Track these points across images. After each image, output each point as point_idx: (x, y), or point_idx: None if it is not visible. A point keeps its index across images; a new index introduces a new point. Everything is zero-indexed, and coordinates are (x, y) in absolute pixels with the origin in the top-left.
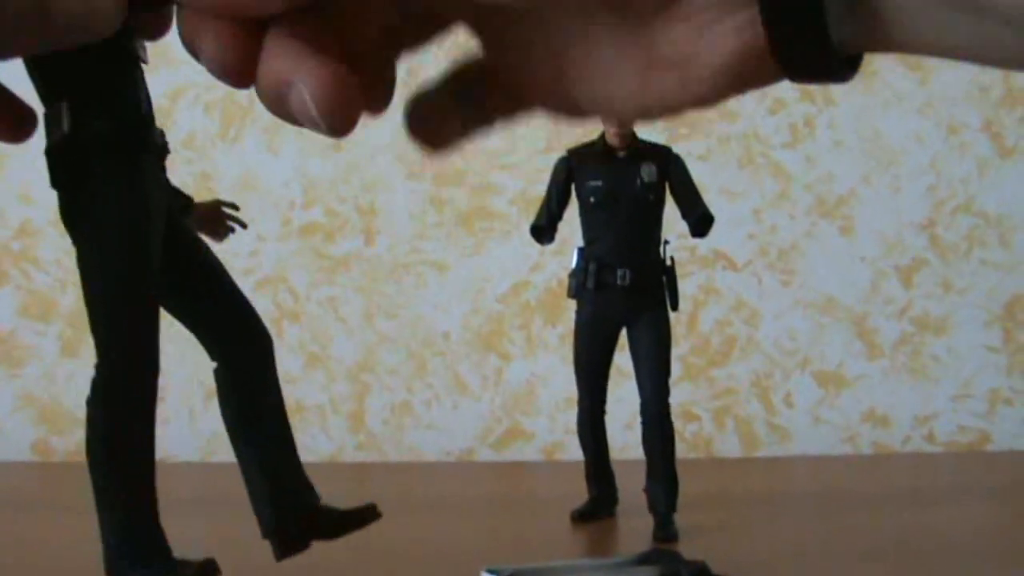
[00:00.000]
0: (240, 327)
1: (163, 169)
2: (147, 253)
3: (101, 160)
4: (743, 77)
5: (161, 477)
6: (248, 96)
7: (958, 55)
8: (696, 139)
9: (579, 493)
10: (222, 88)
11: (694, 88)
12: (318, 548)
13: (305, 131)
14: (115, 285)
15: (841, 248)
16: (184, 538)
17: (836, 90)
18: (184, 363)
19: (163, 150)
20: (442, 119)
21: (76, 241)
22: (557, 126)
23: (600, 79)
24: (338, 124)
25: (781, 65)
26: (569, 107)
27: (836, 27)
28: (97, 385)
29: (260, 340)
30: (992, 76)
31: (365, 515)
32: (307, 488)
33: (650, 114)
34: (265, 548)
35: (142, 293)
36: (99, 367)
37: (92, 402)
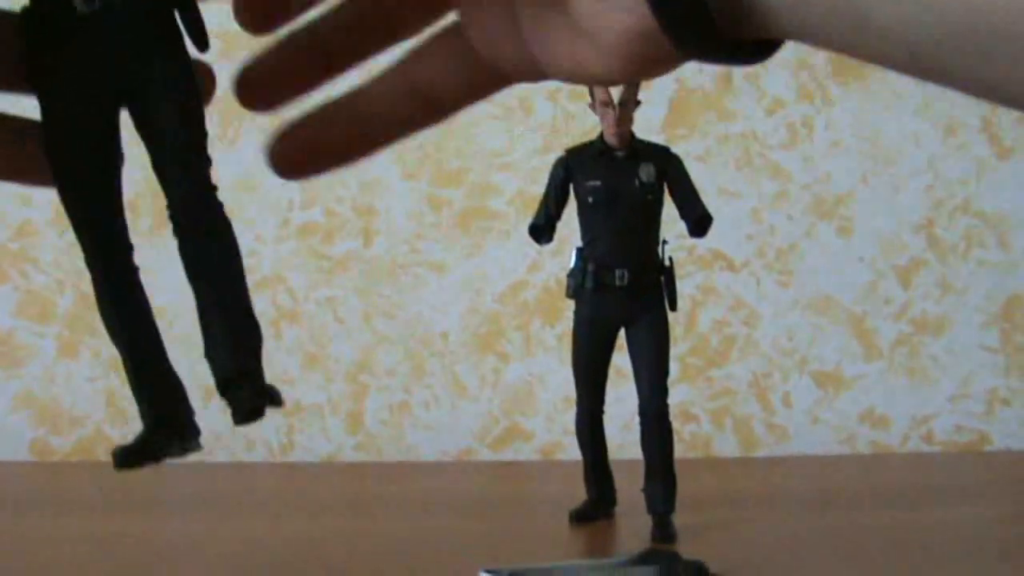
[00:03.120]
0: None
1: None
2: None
3: None
4: (645, 55)
5: (159, 477)
6: None
7: (850, 53)
8: (694, 139)
9: (577, 493)
10: (220, 88)
11: (605, 60)
12: (313, 547)
13: None
14: None
15: (839, 248)
16: (183, 538)
17: (834, 91)
18: (181, 363)
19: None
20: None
21: None
22: (555, 125)
23: (546, 42)
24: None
25: (675, 45)
26: (527, 66)
27: (719, 10)
28: None
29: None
30: None
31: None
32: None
33: (579, 79)
34: (266, 548)
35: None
36: None
37: None
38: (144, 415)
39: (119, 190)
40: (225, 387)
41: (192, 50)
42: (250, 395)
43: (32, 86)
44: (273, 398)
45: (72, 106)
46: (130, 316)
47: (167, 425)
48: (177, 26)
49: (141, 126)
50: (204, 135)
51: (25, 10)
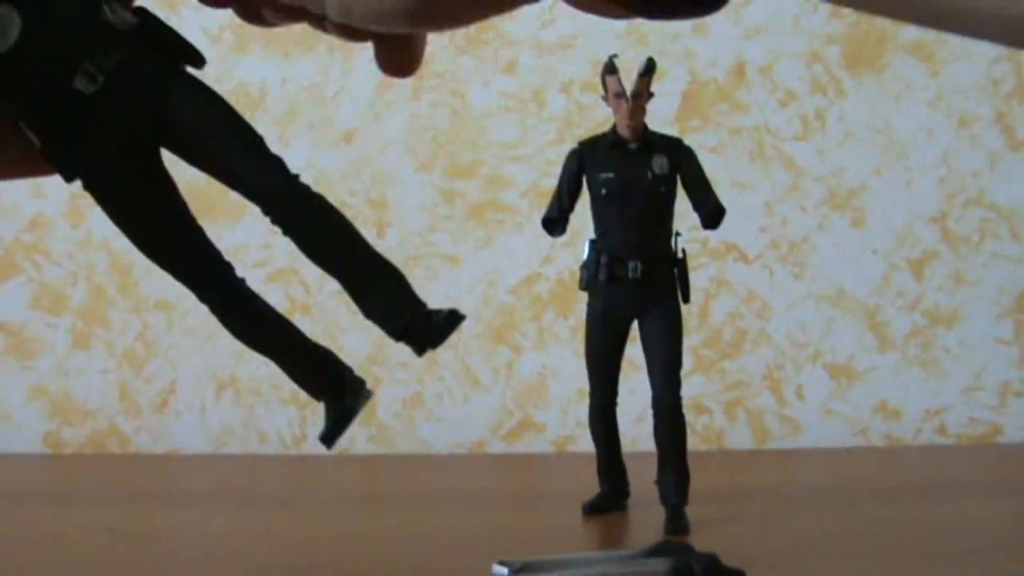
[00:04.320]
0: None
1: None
2: None
3: None
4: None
5: (171, 469)
6: (259, 89)
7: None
8: (707, 131)
9: (590, 486)
10: (233, 81)
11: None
12: (324, 542)
13: (316, 124)
14: None
15: (852, 241)
16: (195, 530)
17: (847, 83)
18: (195, 355)
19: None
20: None
21: None
22: (568, 118)
23: None
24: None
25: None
26: None
27: None
28: None
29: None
30: (1004, 68)
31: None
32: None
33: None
34: (279, 539)
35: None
36: None
37: None
38: (317, 394)
39: (191, 219)
40: (405, 330)
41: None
42: (438, 320)
43: (57, 169)
44: (451, 314)
45: (113, 175)
46: (257, 328)
47: (339, 390)
48: (176, 59)
49: (192, 157)
50: (251, 131)
51: (26, 104)
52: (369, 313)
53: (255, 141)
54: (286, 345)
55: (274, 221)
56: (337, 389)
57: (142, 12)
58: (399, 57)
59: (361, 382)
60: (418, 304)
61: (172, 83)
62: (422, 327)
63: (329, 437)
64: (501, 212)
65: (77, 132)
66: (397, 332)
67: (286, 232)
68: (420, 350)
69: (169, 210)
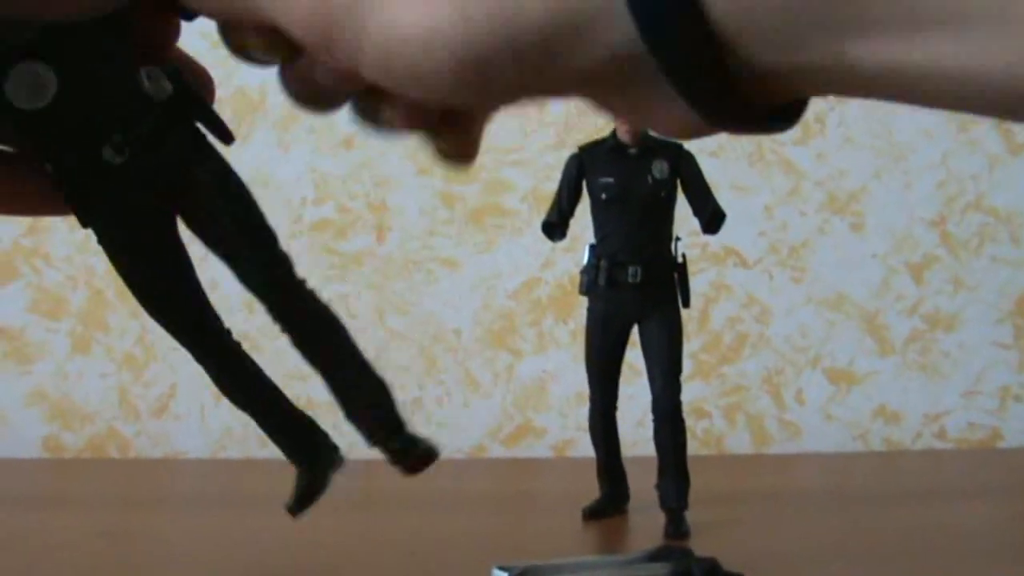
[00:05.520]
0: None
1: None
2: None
3: None
4: (700, 131)
5: (172, 474)
6: (259, 92)
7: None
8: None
9: (590, 490)
10: (233, 85)
11: (661, 131)
12: (324, 546)
13: (316, 128)
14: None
15: (852, 245)
16: (195, 534)
17: None
18: (195, 365)
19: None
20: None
21: None
22: (568, 122)
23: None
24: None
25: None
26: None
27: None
28: None
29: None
30: None
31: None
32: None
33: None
34: (279, 543)
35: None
36: None
37: None
38: (292, 459)
39: (197, 284)
40: (385, 440)
41: (194, 46)
42: (417, 444)
43: (75, 212)
44: (427, 452)
45: (128, 237)
46: (248, 391)
47: (314, 458)
48: (203, 133)
49: (202, 235)
50: (265, 227)
51: (53, 165)
52: (349, 416)
53: (266, 237)
54: (272, 409)
55: (275, 319)
56: (312, 457)
57: (180, 81)
58: (456, 141)
59: (335, 450)
60: (400, 427)
61: (197, 160)
62: (398, 451)
63: (297, 507)
64: (501, 216)
65: (99, 194)
66: (373, 443)
67: (282, 330)
68: (400, 467)
69: (176, 274)
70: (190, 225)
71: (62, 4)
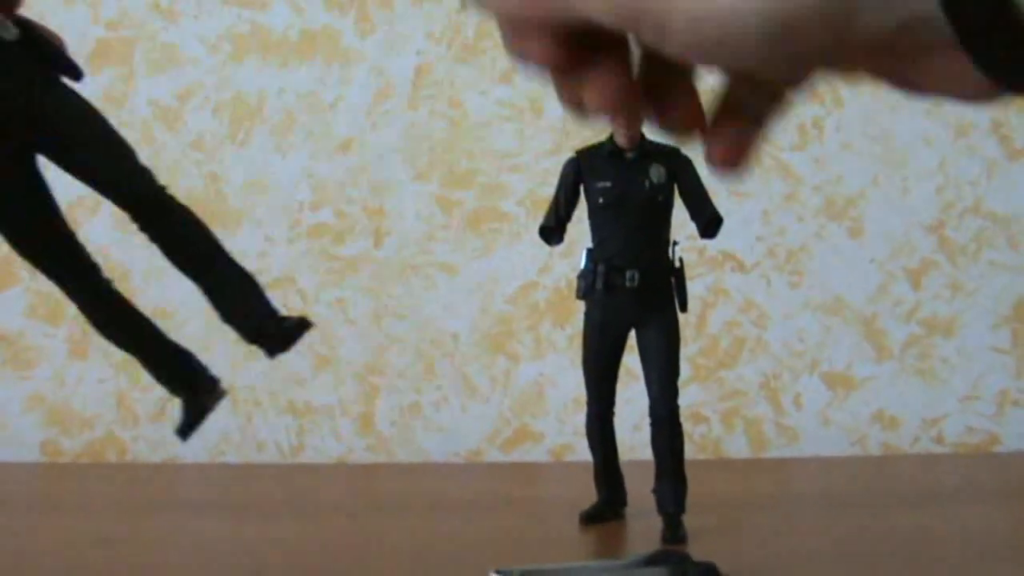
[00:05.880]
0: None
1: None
2: None
3: None
4: (988, 95)
5: (170, 478)
6: (257, 97)
7: None
8: None
9: (588, 494)
10: (231, 89)
11: (951, 97)
12: (323, 548)
13: (314, 133)
14: None
15: (850, 250)
16: (193, 538)
17: (844, 92)
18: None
19: None
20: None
21: None
22: (565, 127)
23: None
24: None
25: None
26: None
27: None
28: None
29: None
30: None
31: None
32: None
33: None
34: (276, 548)
35: None
36: None
37: None
38: (175, 390)
39: (63, 222)
40: (258, 335)
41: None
42: (287, 325)
43: None
44: (300, 324)
45: None
46: (122, 325)
47: (195, 387)
48: (54, 69)
49: (65, 162)
50: (123, 143)
51: None
52: (225, 317)
53: (126, 151)
54: (148, 343)
55: (141, 228)
56: (193, 387)
57: (25, 24)
58: (734, 145)
59: (215, 381)
60: (271, 311)
61: (46, 88)
62: (273, 333)
63: (184, 430)
64: (498, 221)
65: None
66: (251, 336)
67: (151, 239)
68: (270, 353)
69: (41, 212)
70: (50, 154)
71: None
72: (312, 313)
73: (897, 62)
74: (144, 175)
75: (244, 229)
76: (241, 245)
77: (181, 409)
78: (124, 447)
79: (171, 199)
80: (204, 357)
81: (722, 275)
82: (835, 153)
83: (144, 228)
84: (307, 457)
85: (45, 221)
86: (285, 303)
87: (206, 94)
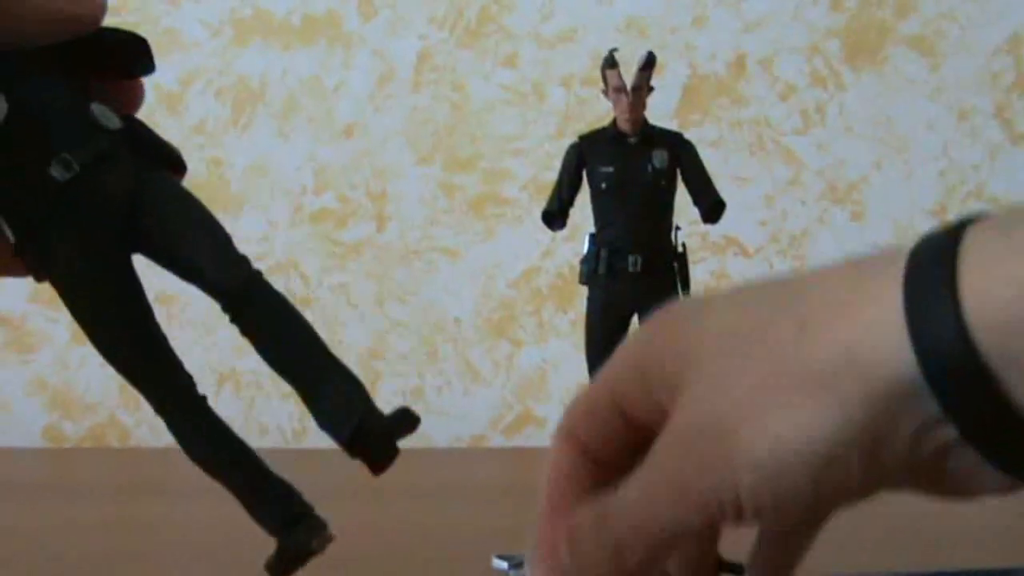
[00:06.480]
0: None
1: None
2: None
3: None
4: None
5: (171, 463)
6: (259, 82)
7: None
8: (707, 125)
9: None
10: (233, 74)
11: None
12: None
13: (316, 117)
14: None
15: (852, 234)
16: (194, 523)
17: (847, 76)
18: (192, 352)
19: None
20: None
21: None
22: (568, 112)
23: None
24: None
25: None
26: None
27: None
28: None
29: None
30: (1004, 62)
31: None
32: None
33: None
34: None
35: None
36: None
37: None
38: (272, 529)
39: (157, 329)
40: (354, 441)
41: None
42: (386, 438)
43: (29, 267)
44: (404, 420)
45: (82, 268)
46: (215, 447)
47: (297, 525)
48: (152, 150)
49: (162, 257)
50: (220, 230)
51: (2, 188)
52: (320, 417)
53: (225, 236)
54: (245, 469)
55: (232, 320)
56: (294, 522)
57: (130, 118)
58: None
59: (323, 524)
60: (371, 408)
61: (147, 181)
62: (375, 432)
63: (277, 570)
64: (501, 206)
65: (51, 221)
66: (346, 436)
67: (243, 332)
68: (374, 460)
69: (134, 316)
70: (148, 246)
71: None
72: (314, 298)
73: (924, 477)
74: (240, 265)
75: (246, 213)
76: (243, 229)
77: (276, 549)
78: (127, 431)
79: (264, 288)
80: (205, 340)
81: (725, 259)
82: (838, 137)
83: (233, 320)
84: (310, 442)
85: (136, 325)
86: (288, 288)
87: (208, 78)
